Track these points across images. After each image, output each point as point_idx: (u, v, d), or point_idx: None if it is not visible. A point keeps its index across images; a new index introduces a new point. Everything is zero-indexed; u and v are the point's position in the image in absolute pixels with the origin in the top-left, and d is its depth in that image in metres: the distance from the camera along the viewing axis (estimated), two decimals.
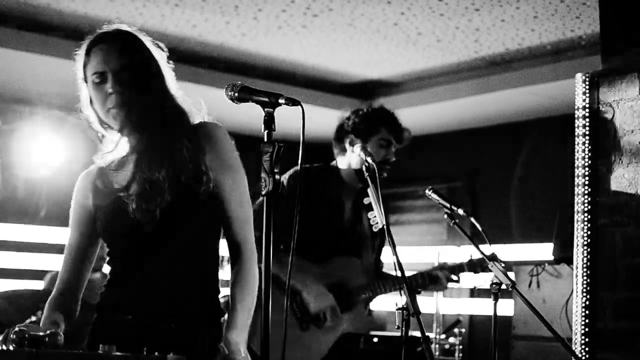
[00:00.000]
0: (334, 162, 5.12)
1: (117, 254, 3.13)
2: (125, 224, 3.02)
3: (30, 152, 8.42)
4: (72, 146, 8.42)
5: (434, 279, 5.06)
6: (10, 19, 7.00)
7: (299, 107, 2.66)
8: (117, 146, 3.16)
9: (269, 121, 2.67)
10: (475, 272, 5.04)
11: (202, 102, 3.21)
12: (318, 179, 5.00)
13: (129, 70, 3.03)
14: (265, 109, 2.68)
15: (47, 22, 7.09)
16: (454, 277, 5.11)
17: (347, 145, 5.00)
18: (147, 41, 3.16)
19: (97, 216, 3.15)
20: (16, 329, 2.56)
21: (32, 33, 7.14)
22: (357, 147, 4.69)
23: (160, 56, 3.17)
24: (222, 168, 3.08)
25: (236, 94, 2.74)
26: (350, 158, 5.04)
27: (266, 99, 2.69)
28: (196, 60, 7.90)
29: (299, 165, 2.82)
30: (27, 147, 8.43)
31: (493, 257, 4.98)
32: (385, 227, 3.95)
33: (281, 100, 2.68)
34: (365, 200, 4.67)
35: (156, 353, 2.44)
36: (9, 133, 8.35)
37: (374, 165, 4.25)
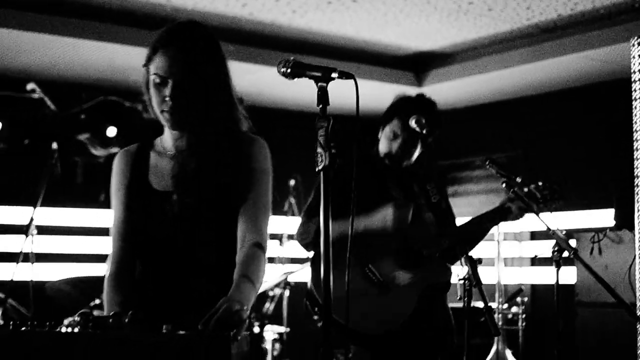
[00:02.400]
0: (374, 149, 5.02)
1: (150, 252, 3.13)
2: (164, 222, 3.07)
3: (88, 136, 8.49)
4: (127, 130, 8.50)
5: (505, 211, 4.79)
6: (65, 6, 7.06)
7: (353, 80, 2.66)
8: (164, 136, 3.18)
9: (323, 96, 2.66)
10: (553, 197, 4.75)
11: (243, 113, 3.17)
12: (357, 173, 4.92)
13: (191, 83, 2.97)
14: (319, 84, 2.67)
15: (98, 6, 7.14)
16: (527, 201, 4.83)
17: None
18: (217, 44, 3.08)
19: (133, 207, 3.18)
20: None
21: (81, 20, 7.19)
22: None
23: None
24: (253, 182, 3.07)
25: (289, 70, 2.73)
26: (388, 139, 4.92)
27: (319, 74, 2.68)
28: (247, 39, 7.91)
29: (356, 140, 2.81)
30: (84, 131, 8.49)
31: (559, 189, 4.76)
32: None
33: (334, 74, 2.67)
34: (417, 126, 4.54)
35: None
36: (67, 118, 8.42)
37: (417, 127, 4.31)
